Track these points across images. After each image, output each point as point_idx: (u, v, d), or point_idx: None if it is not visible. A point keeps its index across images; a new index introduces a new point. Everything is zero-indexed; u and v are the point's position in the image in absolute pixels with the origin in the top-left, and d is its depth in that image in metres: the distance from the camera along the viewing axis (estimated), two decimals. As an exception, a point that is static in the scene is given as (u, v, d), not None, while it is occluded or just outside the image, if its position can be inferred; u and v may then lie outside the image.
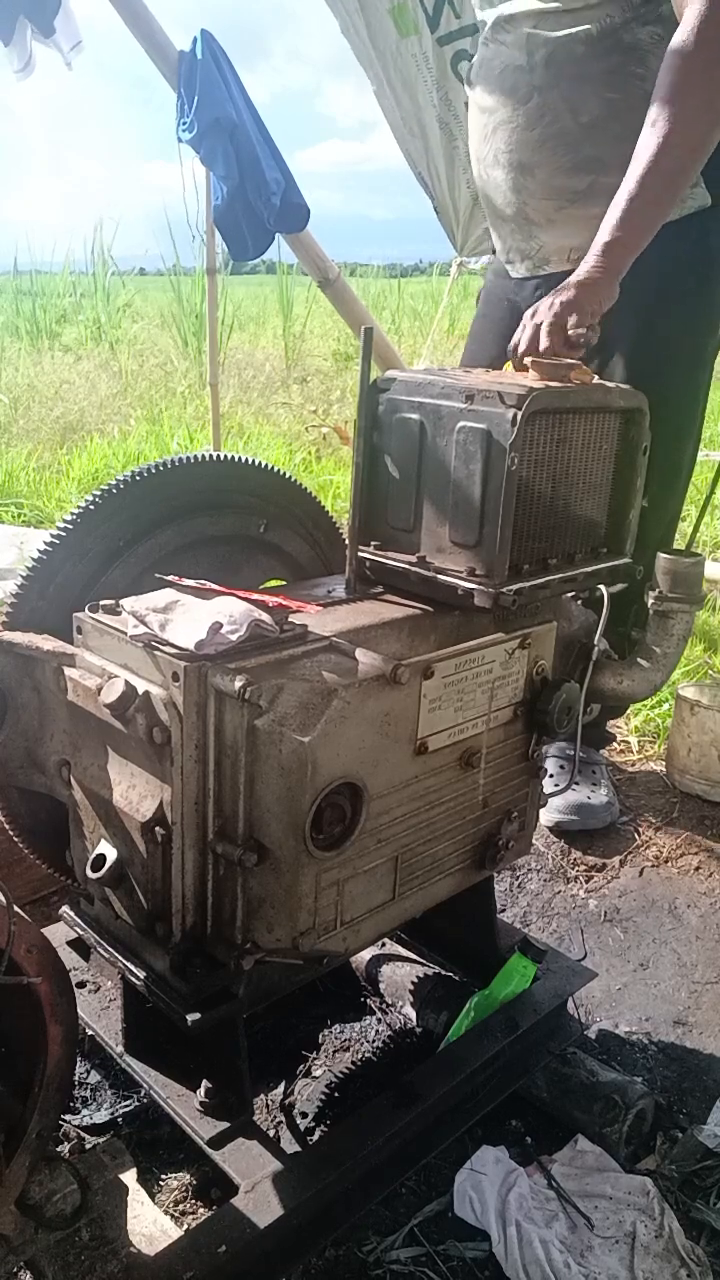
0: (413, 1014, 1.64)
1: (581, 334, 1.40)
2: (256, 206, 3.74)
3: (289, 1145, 1.42)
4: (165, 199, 10.17)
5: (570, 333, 1.40)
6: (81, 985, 1.51)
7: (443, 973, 1.66)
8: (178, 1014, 1.15)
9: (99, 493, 1.28)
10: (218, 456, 1.40)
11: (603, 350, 1.71)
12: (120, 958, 1.24)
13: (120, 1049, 1.40)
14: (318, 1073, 1.58)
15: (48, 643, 1.22)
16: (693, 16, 1.37)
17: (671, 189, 1.43)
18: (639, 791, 2.64)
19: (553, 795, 1.95)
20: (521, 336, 1.46)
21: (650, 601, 1.50)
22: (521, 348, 1.45)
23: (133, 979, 1.22)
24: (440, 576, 1.27)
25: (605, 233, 1.43)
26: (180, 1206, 1.39)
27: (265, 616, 1.14)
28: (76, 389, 7.59)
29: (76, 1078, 1.53)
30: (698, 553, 1.49)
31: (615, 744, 2.89)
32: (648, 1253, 1.33)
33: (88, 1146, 1.40)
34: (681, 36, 1.38)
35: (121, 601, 1.18)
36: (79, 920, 1.32)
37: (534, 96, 1.56)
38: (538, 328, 1.43)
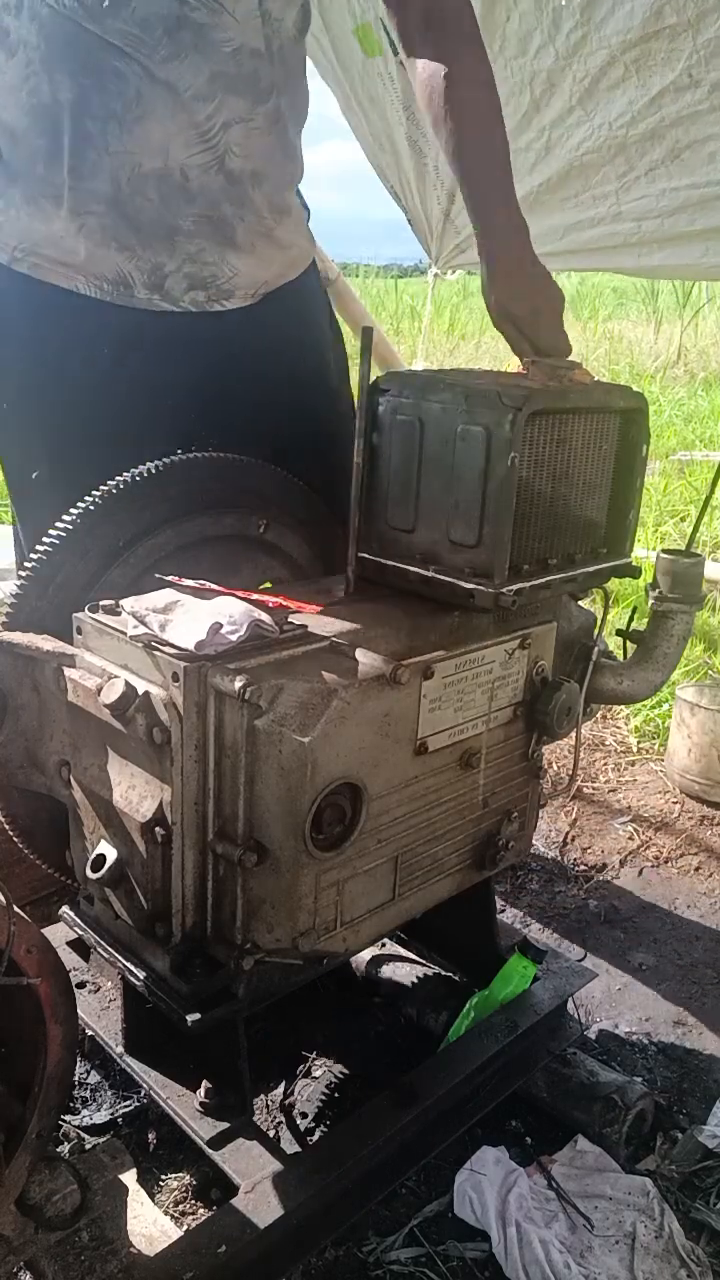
0: (413, 1014, 1.64)
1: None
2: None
3: (289, 1145, 1.42)
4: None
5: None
6: (81, 985, 1.51)
7: (443, 973, 1.66)
8: (178, 1014, 1.15)
9: (99, 493, 1.28)
10: (218, 456, 1.40)
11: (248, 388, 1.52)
12: (120, 958, 1.24)
13: (120, 1049, 1.40)
14: (318, 1073, 1.58)
15: (48, 643, 1.22)
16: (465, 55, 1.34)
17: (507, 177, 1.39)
18: (639, 791, 2.64)
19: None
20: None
21: (650, 602, 1.50)
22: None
23: (133, 979, 1.22)
24: (440, 576, 1.27)
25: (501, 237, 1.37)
26: (180, 1206, 1.39)
27: (265, 616, 1.14)
28: (76, 389, 7.57)
29: (76, 1078, 1.53)
30: (698, 553, 1.49)
31: (615, 744, 2.89)
32: (648, 1253, 1.33)
33: (88, 1146, 1.40)
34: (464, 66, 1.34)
35: (121, 602, 1.18)
36: (79, 920, 1.32)
37: (273, 95, 1.35)
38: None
